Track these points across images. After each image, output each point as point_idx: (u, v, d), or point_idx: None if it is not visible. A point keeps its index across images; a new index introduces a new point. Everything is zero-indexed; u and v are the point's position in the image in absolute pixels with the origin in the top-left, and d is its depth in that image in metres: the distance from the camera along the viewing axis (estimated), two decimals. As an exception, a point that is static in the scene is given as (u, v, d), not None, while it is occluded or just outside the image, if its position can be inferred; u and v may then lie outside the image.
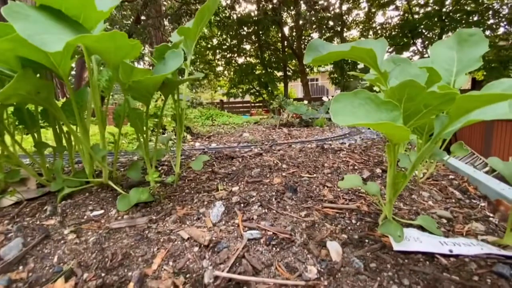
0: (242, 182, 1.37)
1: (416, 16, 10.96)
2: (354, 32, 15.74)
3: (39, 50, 0.80)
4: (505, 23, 9.65)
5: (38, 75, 1.17)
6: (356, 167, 1.62)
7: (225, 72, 15.92)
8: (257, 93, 14.26)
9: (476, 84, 11.13)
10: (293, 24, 13.07)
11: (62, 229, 0.95)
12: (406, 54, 11.36)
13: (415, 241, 0.80)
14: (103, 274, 0.72)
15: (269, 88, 13.41)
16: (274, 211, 1.04)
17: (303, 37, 12.82)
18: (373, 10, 13.18)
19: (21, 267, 0.76)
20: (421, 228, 0.90)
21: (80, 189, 1.28)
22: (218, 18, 11.00)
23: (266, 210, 1.05)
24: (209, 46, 14.30)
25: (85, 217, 1.04)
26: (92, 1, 0.85)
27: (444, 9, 10.12)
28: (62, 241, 0.87)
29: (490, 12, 9.72)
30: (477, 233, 0.91)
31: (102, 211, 1.09)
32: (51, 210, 1.08)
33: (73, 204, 1.14)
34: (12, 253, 0.80)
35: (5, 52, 0.88)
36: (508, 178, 0.80)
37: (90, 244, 0.85)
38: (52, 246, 0.85)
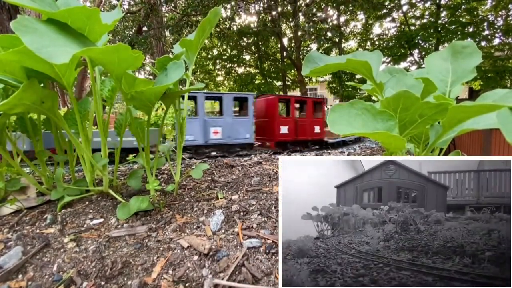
0: (242, 191, 1.37)
1: (412, 28, 11.18)
2: (352, 43, 16.01)
3: (45, 61, 0.83)
4: (500, 34, 9.84)
5: (41, 85, 1.20)
6: (355, 176, 1.63)
7: (225, 81, 16.09)
8: (257, 102, 14.40)
9: (473, 94, 11.24)
10: (292, 35, 13.31)
11: (62, 237, 0.95)
12: (403, 65, 11.52)
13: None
14: (102, 283, 0.72)
15: (269, 98, 13.53)
16: (274, 220, 1.04)
17: (301, 48, 13.03)
18: (370, 21, 13.44)
19: (20, 276, 0.76)
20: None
21: (80, 198, 1.28)
22: (219, 29, 11.21)
23: (266, 219, 1.05)
24: (209, 56, 14.50)
25: (85, 225, 1.04)
26: (97, 15, 0.89)
27: (439, 21, 10.34)
28: (62, 250, 0.87)
29: (485, 24, 9.93)
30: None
31: (102, 219, 1.09)
32: (51, 219, 1.08)
33: (73, 212, 1.15)
34: (11, 262, 0.80)
35: (12, 63, 0.91)
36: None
37: (90, 253, 0.85)
38: (51, 255, 0.85)
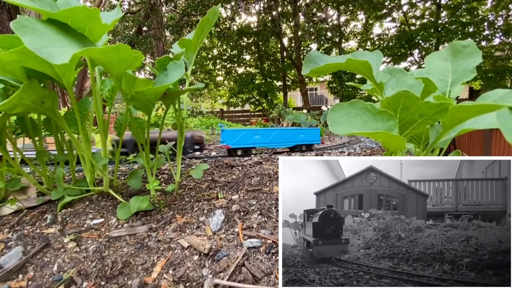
0: (242, 191, 1.37)
1: (412, 28, 11.17)
2: (352, 43, 16.00)
3: (45, 61, 0.83)
4: (500, 34, 9.83)
5: (42, 85, 1.20)
6: (355, 176, 1.63)
7: (225, 82, 16.09)
8: (257, 102, 14.38)
9: (473, 94, 11.24)
10: (292, 35, 13.31)
11: (62, 237, 0.95)
12: (403, 65, 11.50)
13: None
14: (103, 283, 0.72)
15: (269, 98, 13.53)
16: (274, 220, 1.04)
17: (302, 48, 13.03)
18: (371, 21, 13.44)
19: (20, 276, 0.76)
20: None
21: (80, 198, 1.28)
22: (219, 29, 11.20)
23: (266, 219, 1.05)
24: (209, 56, 14.51)
25: (85, 225, 1.04)
26: (97, 15, 0.89)
27: (440, 21, 10.33)
28: (62, 250, 0.87)
29: (486, 24, 9.92)
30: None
31: (102, 219, 1.09)
32: (51, 219, 1.08)
33: (73, 212, 1.15)
34: (12, 262, 0.80)
35: (12, 63, 0.91)
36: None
37: (90, 253, 0.85)
38: (52, 255, 0.85)
